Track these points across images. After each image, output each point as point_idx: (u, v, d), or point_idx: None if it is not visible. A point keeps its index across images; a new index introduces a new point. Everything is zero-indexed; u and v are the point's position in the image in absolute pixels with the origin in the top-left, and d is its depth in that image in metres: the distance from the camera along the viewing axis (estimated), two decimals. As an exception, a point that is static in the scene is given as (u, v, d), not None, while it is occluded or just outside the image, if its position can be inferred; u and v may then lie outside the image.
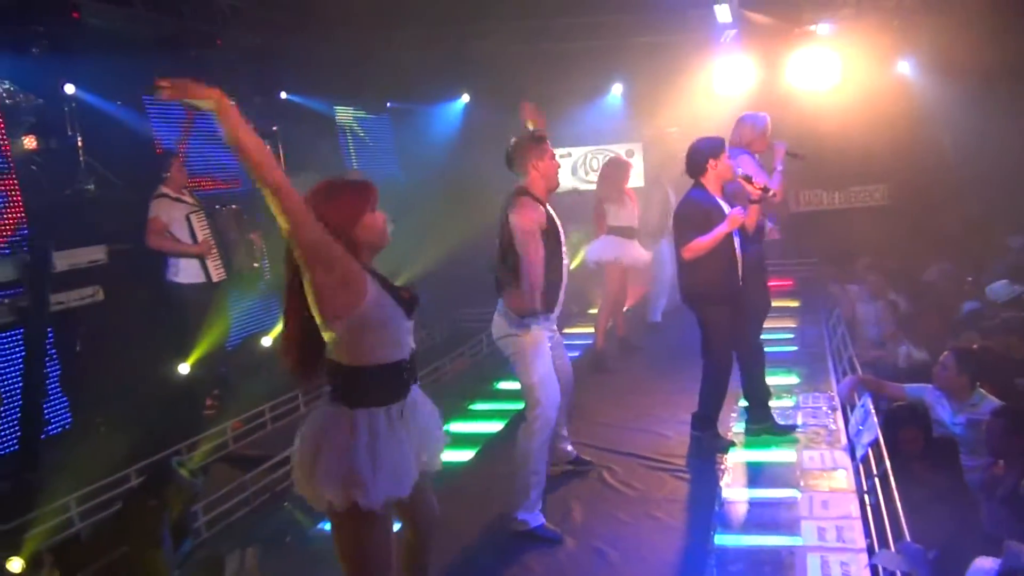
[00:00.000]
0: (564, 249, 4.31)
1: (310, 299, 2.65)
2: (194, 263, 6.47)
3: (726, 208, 4.92)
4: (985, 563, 3.22)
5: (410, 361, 2.86)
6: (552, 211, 4.28)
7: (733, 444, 5.25)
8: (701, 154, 5.00)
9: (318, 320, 2.69)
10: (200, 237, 6.49)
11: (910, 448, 4.97)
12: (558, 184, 4.36)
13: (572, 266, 4.82)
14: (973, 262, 8.88)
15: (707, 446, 5.19)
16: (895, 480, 4.09)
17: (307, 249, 2.56)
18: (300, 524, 4.94)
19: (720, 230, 4.84)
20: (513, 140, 4.33)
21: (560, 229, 4.31)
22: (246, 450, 5.90)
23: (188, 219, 6.45)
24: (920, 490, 4.41)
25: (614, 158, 8.28)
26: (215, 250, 6.60)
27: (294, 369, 2.81)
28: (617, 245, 7.37)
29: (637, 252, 7.53)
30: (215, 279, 6.56)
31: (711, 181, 4.99)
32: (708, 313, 5.08)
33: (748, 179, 4.99)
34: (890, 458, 4.34)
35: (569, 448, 5.02)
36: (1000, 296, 7.09)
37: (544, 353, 4.28)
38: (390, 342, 2.78)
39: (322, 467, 2.68)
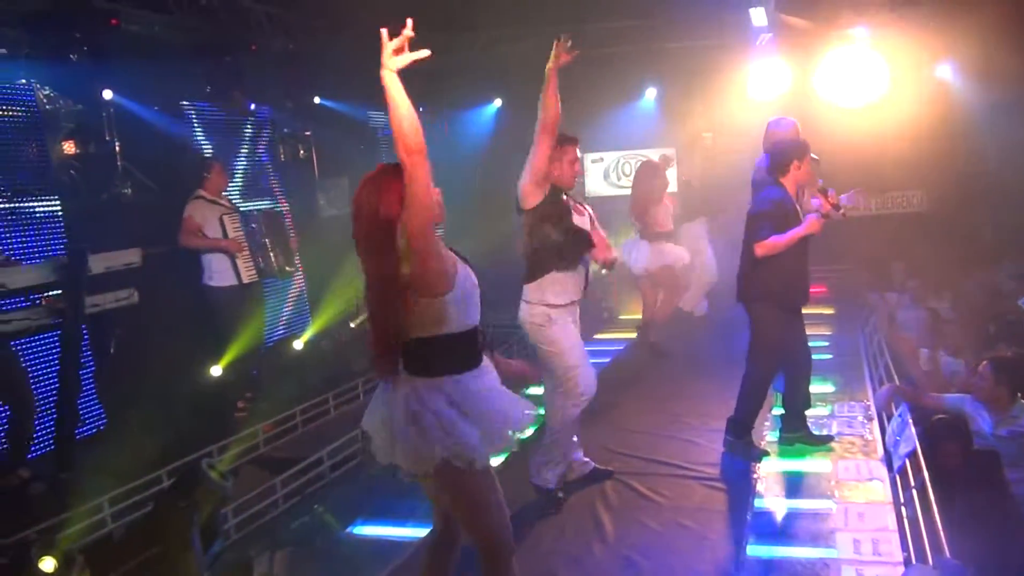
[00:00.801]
0: (584, 242, 4.39)
1: (415, 283, 2.71)
2: (227, 266, 6.54)
3: (801, 213, 4.89)
4: None
5: (482, 330, 2.96)
6: (574, 201, 4.46)
7: (767, 454, 5.16)
8: (787, 155, 4.95)
9: (416, 301, 2.74)
10: (231, 235, 6.56)
11: (950, 462, 4.85)
12: (571, 187, 4.48)
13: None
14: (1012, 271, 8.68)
15: (740, 453, 5.12)
16: (934, 494, 3.99)
17: (419, 234, 2.65)
18: (330, 527, 4.96)
19: (797, 232, 4.79)
20: None
21: (575, 216, 4.37)
22: (277, 453, 5.93)
23: (221, 220, 6.54)
24: (961, 504, 4.30)
25: (648, 161, 8.21)
26: (246, 251, 6.66)
27: (385, 357, 2.84)
28: (655, 252, 7.39)
29: (680, 253, 7.57)
30: (246, 280, 6.63)
31: (790, 182, 4.93)
32: (762, 314, 5.00)
33: (825, 191, 4.92)
34: (929, 471, 4.24)
35: (583, 457, 4.97)
36: None
37: (572, 337, 4.43)
38: (472, 309, 2.88)
39: (427, 436, 2.77)
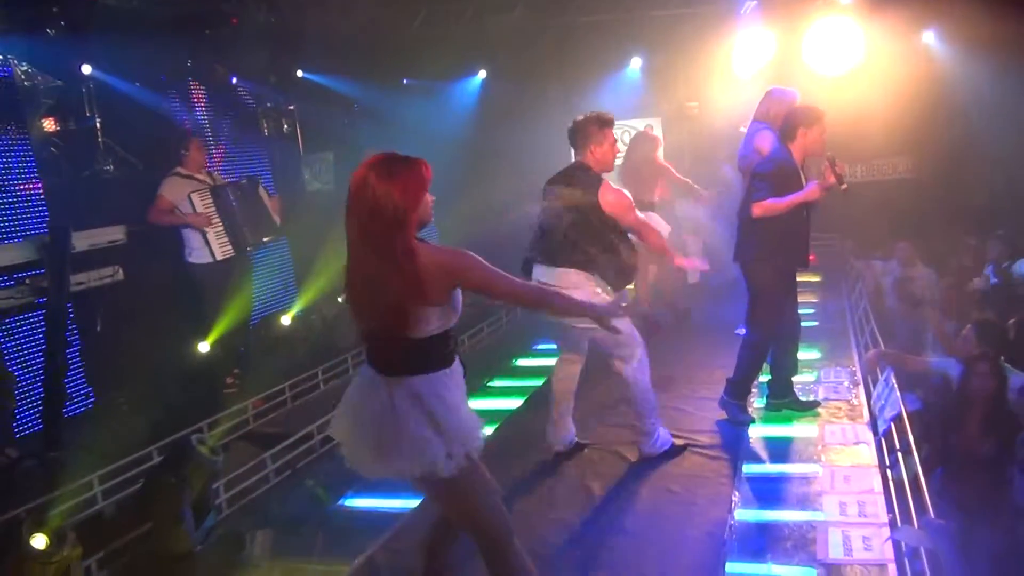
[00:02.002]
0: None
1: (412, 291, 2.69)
2: (201, 242, 6.49)
3: (804, 180, 4.89)
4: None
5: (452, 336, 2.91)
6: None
7: (754, 420, 5.21)
8: (793, 120, 4.94)
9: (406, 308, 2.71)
10: (200, 211, 6.49)
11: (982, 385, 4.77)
12: (611, 170, 4.50)
13: None
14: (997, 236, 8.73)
15: (731, 414, 5.17)
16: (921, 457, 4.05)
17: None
18: (321, 500, 4.99)
19: (796, 197, 4.78)
20: (580, 117, 4.45)
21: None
22: (266, 428, 5.94)
23: (190, 198, 6.45)
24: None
25: (642, 132, 8.15)
26: (219, 226, 6.58)
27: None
28: (652, 221, 7.33)
29: (661, 225, 7.50)
30: (219, 257, 6.57)
31: (797, 149, 4.91)
32: (759, 276, 5.01)
33: (833, 162, 4.90)
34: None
35: (572, 431, 5.00)
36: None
37: None
38: (453, 313, 2.84)
39: (406, 440, 2.72)
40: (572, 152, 4.58)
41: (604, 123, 4.39)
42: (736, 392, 5.19)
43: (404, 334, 2.74)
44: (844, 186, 4.92)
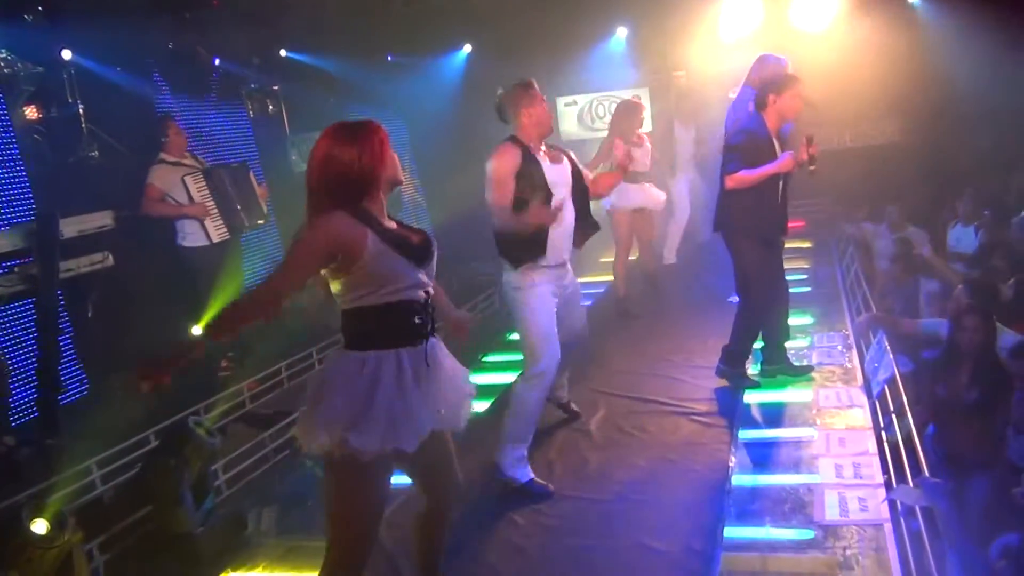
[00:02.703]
0: (559, 195, 4.09)
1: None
2: (197, 227, 6.46)
3: (778, 149, 4.85)
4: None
5: (423, 305, 2.77)
6: (545, 157, 4.13)
7: (758, 384, 5.24)
8: (764, 87, 4.93)
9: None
10: (196, 198, 6.45)
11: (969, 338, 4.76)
12: (550, 130, 4.21)
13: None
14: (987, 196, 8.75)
15: (733, 382, 5.20)
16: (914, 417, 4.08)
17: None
18: (319, 479, 4.99)
19: (767, 169, 4.77)
20: (501, 90, 4.24)
21: (549, 174, 4.08)
22: (263, 409, 5.94)
23: (184, 181, 6.41)
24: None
25: (626, 101, 8.08)
26: (214, 210, 6.55)
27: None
28: (634, 191, 7.27)
29: (653, 195, 7.47)
30: (215, 239, 6.54)
31: (771, 116, 4.88)
32: (741, 247, 5.01)
33: (810, 141, 4.86)
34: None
35: (562, 394, 4.97)
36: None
37: (546, 308, 4.13)
38: (393, 289, 2.70)
39: (321, 408, 2.66)
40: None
41: (527, 85, 4.13)
42: (733, 360, 5.22)
43: (345, 307, 2.77)
44: (813, 167, 4.88)
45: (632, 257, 7.66)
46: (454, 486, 3.07)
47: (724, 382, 5.27)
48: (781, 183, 4.93)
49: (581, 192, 4.28)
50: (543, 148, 4.16)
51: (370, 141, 2.70)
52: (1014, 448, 4.35)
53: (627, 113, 7.32)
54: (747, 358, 5.28)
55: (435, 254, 2.86)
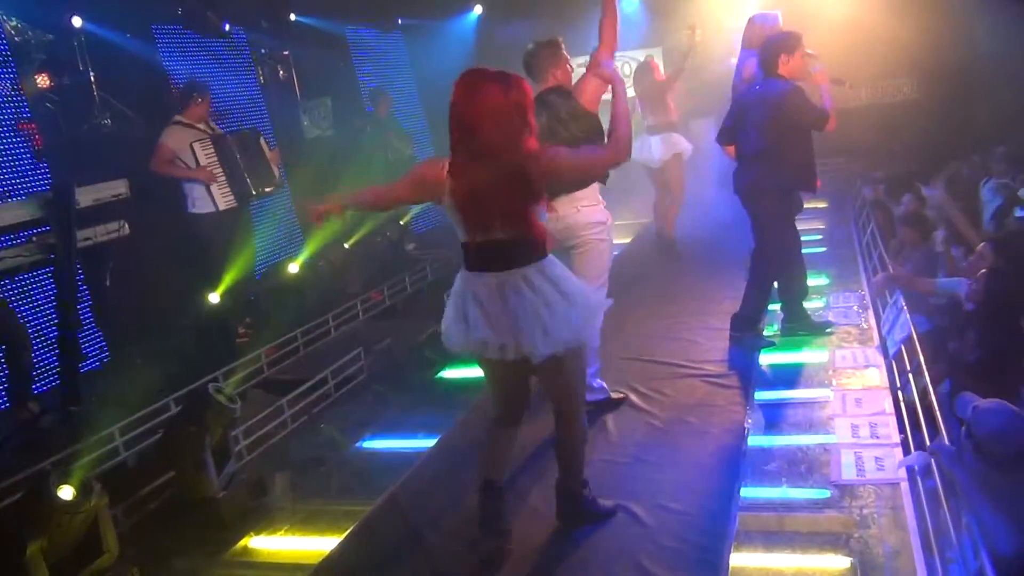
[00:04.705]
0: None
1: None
2: (204, 193, 6.46)
3: None
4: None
5: (478, 246, 3.02)
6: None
7: (774, 344, 5.23)
8: (772, 49, 4.91)
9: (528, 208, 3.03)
10: (204, 163, 6.44)
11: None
12: (566, 86, 4.23)
13: None
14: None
15: (749, 346, 5.19)
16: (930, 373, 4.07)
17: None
18: (338, 444, 5.06)
19: (827, 94, 4.94)
20: (531, 45, 4.26)
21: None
22: (281, 375, 6.00)
23: (192, 147, 6.41)
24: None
25: (642, 63, 8.18)
26: (221, 177, 6.54)
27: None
28: (656, 144, 7.55)
29: (685, 143, 7.70)
30: (222, 207, 6.54)
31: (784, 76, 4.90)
32: (771, 207, 5.02)
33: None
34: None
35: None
36: None
37: None
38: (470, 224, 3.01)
39: (560, 314, 3.02)
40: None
41: (554, 45, 4.25)
42: (745, 324, 5.21)
43: (523, 233, 2.99)
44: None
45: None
46: (560, 399, 3.35)
47: (739, 344, 5.26)
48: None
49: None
50: None
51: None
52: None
53: (644, 75, 7.75)
54: (759, 321, 5.27)
55: None
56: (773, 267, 5.12)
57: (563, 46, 4.25)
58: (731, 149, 5.22)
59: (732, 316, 5.29)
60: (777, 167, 4.92)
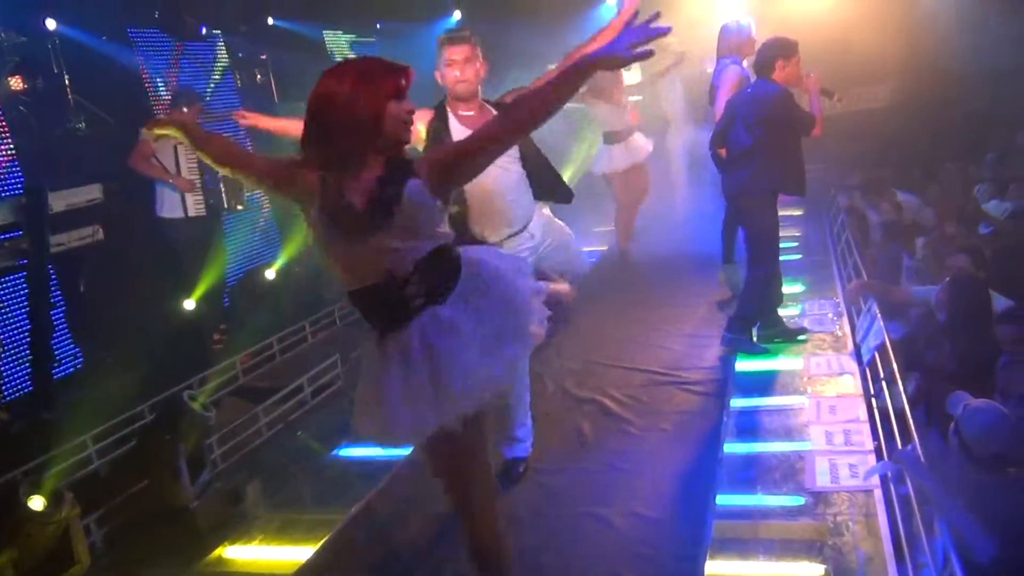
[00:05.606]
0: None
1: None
2: (176, 199, 6.40)
3: None
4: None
5: (382, 289, 2.49)
6: (457, 120, 3.95)
7: (768, 350, 5.27)
8: (770, 52, 4.95)
9: None
10: (185, 171, 6.39)
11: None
12: (459, 92, 3.98)
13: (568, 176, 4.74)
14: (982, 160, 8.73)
15: (744, 349, 5.23)
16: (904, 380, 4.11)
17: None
18: (315, 452, 5.03)
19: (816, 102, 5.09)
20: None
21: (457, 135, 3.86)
22: (257, 383, 5.96)
23: (175, 149, 6.35)
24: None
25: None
26: (198, 190, 6.49)
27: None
28: (618, 152, 7.44)
29: (638, 149, 7.54)
30: (192, 213, 6.49)
31: (778, 81, 4.95)
32: (763, 211, 5.05)
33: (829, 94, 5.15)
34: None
35: None
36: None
37: None
38: (339, 268, 2.49)
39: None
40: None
41: (441, 42, 4.06)
42: (742, 327, 5.23)
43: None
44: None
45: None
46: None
47: (715, 351, 5.29)
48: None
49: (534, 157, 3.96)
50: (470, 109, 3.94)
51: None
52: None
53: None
54: (755, 325, 5.31)
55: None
56: (767, 269, 5.14)
57: (443, 43, 4.05)
58: (724, 152, 5.26)
59: (730, 318, 5.31)
60: (765, 168, 4.94)
